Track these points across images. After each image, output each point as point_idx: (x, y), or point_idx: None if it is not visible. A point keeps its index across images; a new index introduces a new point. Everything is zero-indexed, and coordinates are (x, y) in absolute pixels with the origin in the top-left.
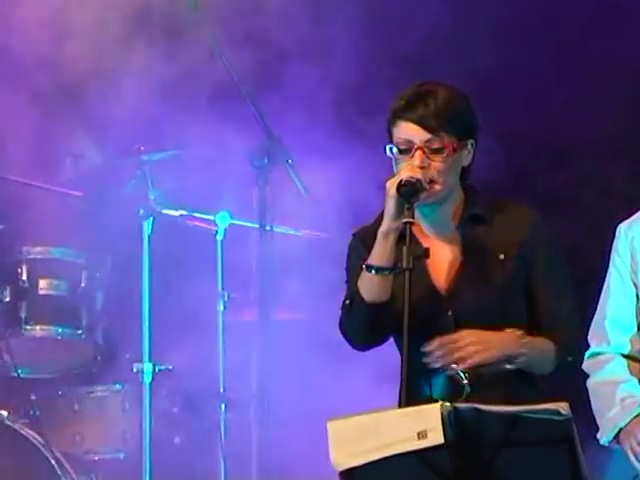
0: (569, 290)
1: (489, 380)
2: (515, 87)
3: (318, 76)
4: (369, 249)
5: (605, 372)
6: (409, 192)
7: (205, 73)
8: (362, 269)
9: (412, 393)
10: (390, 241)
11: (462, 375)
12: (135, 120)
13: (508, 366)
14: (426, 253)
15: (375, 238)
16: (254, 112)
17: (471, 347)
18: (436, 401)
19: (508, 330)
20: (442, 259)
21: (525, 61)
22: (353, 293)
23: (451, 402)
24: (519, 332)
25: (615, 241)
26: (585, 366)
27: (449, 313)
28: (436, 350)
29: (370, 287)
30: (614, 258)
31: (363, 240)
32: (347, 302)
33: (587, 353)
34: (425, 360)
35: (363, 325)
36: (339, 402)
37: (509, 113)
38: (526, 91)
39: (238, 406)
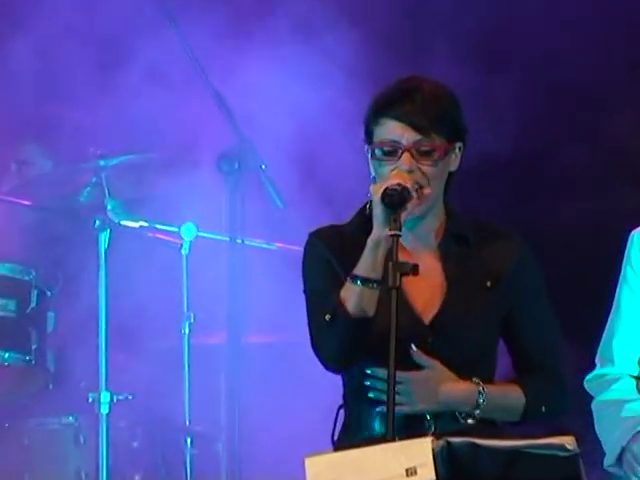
0: (553, 328)
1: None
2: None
3: None
4: (332, 251)
5: (611, 392)
6: (395, 202)
7: (168, 65)
8: (334, 277)
9: (359, 426)
10: (381, 251)
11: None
12: (89, 121)
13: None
14: (414, 270)
15: (341, 240)
16: (222, 110)
17: (415, 396)
18: (393, 438)
19: (470, 382)
20: (421, 279)
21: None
22: (335, 307)
23: (406, 438)
24: (478, 384)
25: (627, 249)
26: (588, 387)
27: (429, 340)
28: (377, 382)
29: (356, 300)
30: (626, 270)
31: (324, 240)
32: (326, 317)
33: (590, 375)
34: (369, 396)
35: (345, 342)
36: (318, 434)
37: None
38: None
39: (205, 440)
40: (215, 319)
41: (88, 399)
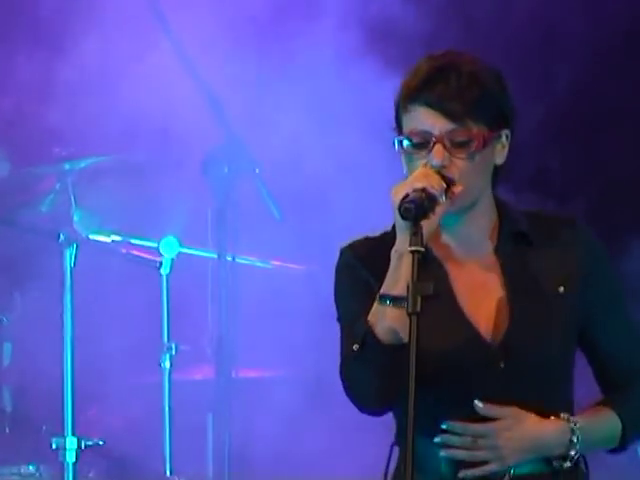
0: (635, 331)
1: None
2: None
3: None
4: (371, 269)
5: None
6: (414, 214)
7: (145, 52)
8: (373, 300)
9: (420, 469)
10: (407, 264)
11: None
12: (53, 117)
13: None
14: (433, 292)
15: (381, 255)
16: (210, 105)
17: (503, 450)
18: None
19: (558, 418)
20: (478, 290)
21: None
22: (364, 333)
23: None
24: (568, 420)
25: None
26: None
27: (501, 365)
28: (453, 437)
29: (387, 323)
30: None
31: (359, 256)
32: (355, 347)
33: None
34: (436, 440)
35: (379, 375)
36: None
37: None
38: None
39: None
40: (200, 350)
41: (51, 445)
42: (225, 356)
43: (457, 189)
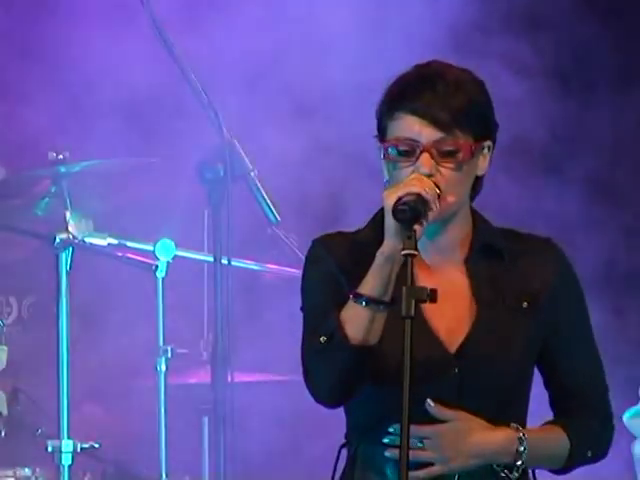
0: (597, 356)
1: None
2: None
3: None
4: (340, 263)
5: None
6: (409, 219)
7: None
8: (339, 294)
9: (367, 466)
10: (393, 267)
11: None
12: (48, 121)
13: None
14: (432, 297)
15: (351, 250)
16: (206, 106)
17: (447, 452)
18: None
19: (507, 428)
20: (445, 299)
21: None
22: (332, 329)
23: None
24: (517, 429)
25: None
26: (629, 424)
27: (455, 371)
28: (397, 436)
29: (359, 324)
30: None
31: (330, 250)
32: (321, 339)
33: (633, 410)
34: (384, 441)
35: (341, 373)
36: None
37: None
38: None
39: None
40: (197, 354)
41: (47, 448)
42: (221, 360)
43: (450, 199)
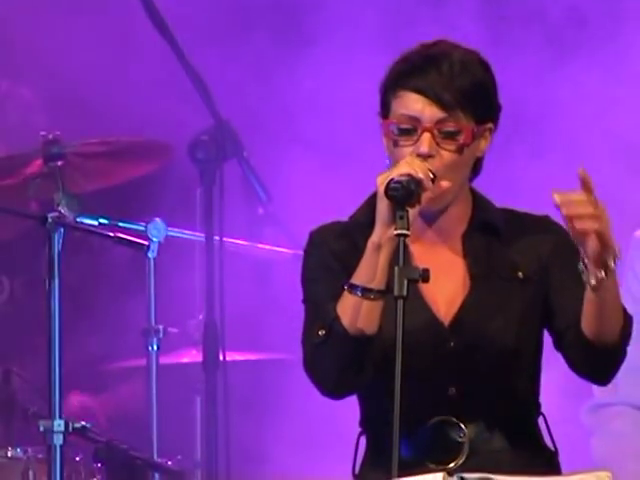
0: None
1: (488, 436)
2: None
3: None
4: (338, 253)
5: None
6: (400, 196)
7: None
8: (339, 284)
9: (381, 452)
10: (384, 255)
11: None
12: (38, 98)
13: (594, 280)
14: (425, 276)
15: (347, 239)
16: (196, 85)
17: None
18: (421, 464)
19: None
20: (441, 276)
21: None
22: (330, 321)
23: (439, 465)
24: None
25: (632, 252)
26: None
27: (450, 345)
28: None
29: (355, 314)
30: (629, 278)
31: (328, 239)
32: (320, 333)
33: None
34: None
35: (342, 364)
36: (312, 468)
37: None
38: None
39: (178, 477)
40: (188, 334)
41: (38, 428)
42: (213, 339)
43: (445, 184)
